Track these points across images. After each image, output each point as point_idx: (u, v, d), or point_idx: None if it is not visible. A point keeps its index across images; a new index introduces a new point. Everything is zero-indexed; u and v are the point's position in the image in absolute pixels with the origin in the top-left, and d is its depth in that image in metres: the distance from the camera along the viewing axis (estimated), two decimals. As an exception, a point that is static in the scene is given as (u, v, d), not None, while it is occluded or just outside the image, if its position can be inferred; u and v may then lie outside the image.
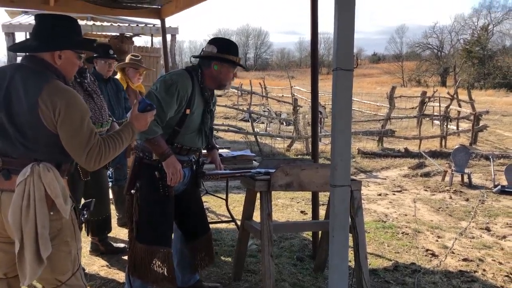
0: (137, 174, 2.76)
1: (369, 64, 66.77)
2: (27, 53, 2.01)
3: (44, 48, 1.95)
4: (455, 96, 12.53)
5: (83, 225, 2.36)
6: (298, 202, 5.89)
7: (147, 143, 2.65)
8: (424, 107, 12.44)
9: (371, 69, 61.01)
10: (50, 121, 1.86)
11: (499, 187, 6.77)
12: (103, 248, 3.93)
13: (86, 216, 2.12)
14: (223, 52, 2.71)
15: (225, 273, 3.59)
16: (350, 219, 2.92)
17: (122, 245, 4.03)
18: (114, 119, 3.79)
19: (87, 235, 3.87)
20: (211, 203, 5.51)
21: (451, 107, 12.11)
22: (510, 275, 3.74)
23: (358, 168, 8.36)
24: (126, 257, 3.78)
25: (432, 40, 53.26)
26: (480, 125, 11.85)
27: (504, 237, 4.75)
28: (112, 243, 4.02)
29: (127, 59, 4.89)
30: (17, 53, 7.89)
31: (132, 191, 2.75)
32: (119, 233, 4.46)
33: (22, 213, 1.80)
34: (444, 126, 11.28)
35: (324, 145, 9.81)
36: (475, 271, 3.80)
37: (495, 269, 3.87)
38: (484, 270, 3.83)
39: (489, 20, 49.66)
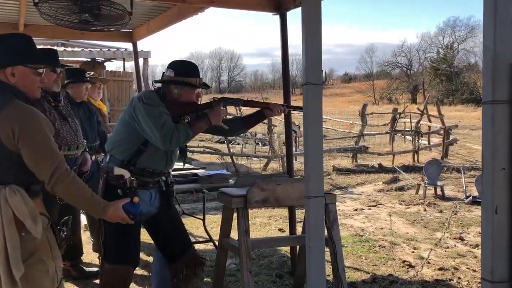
0: (104, 195, 2.69)
1: (341, 84, 68.12)
2: None
3: None
4: (425, 111, 12.87)
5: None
6: (276, 220, 5.90)
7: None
8: (395, 123, 12.71)
9: (343, 89, 62.21)
10: (10, 143, 1.85)
11: (471, 198, 6.94)
12: (75, 273, 3.84)
13: (66, 233, 2.09)
14: (181, 75, 2.68)
15: (204, 293, 3.55)
16: (326, 231, 2.97)
17: (95, 269, 3.94)
18: (87, 142, 3.77)
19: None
20: (188, 224, 5.46)
21: (421, 122, 12.42)
22: (485, 282, 3.82)
23: (334, 185, 8.44)
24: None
25: (401, 58, 54.82)
26: (450, 139, 12.18)
27: (477, 245, 4.86)
28: (84, 268, 3.93)
29: None
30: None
31: None
32: (94, 258, 4.35)
33: None
34: (416, 141, 11.55)
35: (300, 164, 9.88)
36: (450, 279, 3.87)
37: (470, 276, 3.95)
38: (459, 278, 3.91)
39: (453, 39, 51.59)
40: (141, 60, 11.02)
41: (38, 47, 2.16)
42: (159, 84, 2.79)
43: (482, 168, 1.36)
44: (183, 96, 2.70)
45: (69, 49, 11.18)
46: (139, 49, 5.94)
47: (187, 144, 2.92)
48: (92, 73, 4.91)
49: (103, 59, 11.42)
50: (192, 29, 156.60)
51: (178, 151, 2.89)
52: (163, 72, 2.78)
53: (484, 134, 1.35)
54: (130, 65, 13.06)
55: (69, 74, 4.02)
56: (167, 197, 2.91)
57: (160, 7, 4.48)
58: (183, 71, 2.70)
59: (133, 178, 2.63)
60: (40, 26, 4.83)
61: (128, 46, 9.90)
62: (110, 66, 12.78)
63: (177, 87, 2.68)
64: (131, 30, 5.41)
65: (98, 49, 11.48)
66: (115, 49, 11.54)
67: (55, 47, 11.09)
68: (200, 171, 4.22)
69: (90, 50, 11.29)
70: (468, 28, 51.87)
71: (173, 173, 4.16)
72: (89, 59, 11.00)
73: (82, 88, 4.11)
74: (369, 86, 54.44)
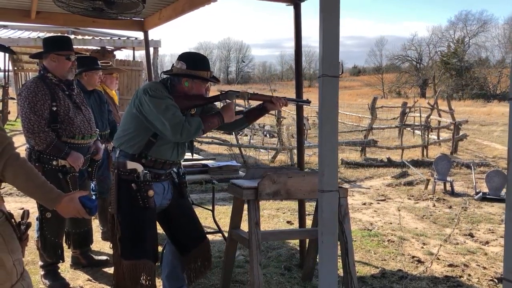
0: (118, 191, 2.67)
1: (350, 77, 67.66)
2: None
3: None
4: (435, 106, 12.76)
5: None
6: (284, 213, 5.89)
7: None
8: (405, 117, 12.62)
9: (352, 82, 61.86)
10: None
11: (481, 194, 6.88)
12: (85, 261, 3.86)
13: (26, 226, 2.02)
14: (192, 68, 2.64)
15: (213, 284, 3.55)
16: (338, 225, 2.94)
17: (104, 257, 3.96)
18: (98, 131, 3.77)
19: (68, 248, 3.82)
20: (197, 215, 5.46)
21: (431, 117, 12.32)
22: (494, 280, 3.79)
23: (342, 178, 8.40)
24: (110, 270, 3.74)
25: (411, 52, 54.38)
26: (460, 134, 12.07)
27: (487, 242, 4.82)
28: (94, 256, 3.95)
29: None
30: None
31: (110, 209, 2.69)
32: (104, 246, 4.38)
33: None
34: (425, 135, 11.46)
35: (308, 157, 9.85)
36: (460, 276, 3.84)
37: (480, 273, 3.91)
38: (469, 275, 3.88)
39: (465, 33, 51.05)
40: (151, 49, 11.01)
41: (49, 34, 2.12)
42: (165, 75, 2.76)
43: (508, 164, 1.32)
44: (193, 89, 2.68)
45: (79, 37, 11.18)
46: (149, 38, 5.90)
47: None
48: (110, 63, 4.91)
49: (113, 47, 11.41)
50: (201, 19, 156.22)
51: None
52: (173, 64, 2.73)
53: (511, 130, 1.31)
54: (139, 54, 13.06)
55: (82, 62, 4.01)
56: (180, 188, 2.91)
57: (173, -5, 4.44)
58: (195, 64, 2.66)
59: (146, 171, 2.63)
60: (52, 14, 4.80)
61: (138, 35, 9.88)
62: (120, 54, 12.81)
63: (188, 80, 2.65)
64: (142, 19, 5.38)
65: (108, 38, 11.48)
66: (125, 38, 11.54)
67: (65, 35, 11.11)
68: (209, 162, 4.20)
69: (100, 38, 11.29)
70: (480, 22, 51.39)
71: (183, 163, 4.17)
72: (99, 48, 11.00)
73: (96, 76, 4.13)
74: (378, 80, 54.10)
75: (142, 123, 2.57)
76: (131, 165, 2.62)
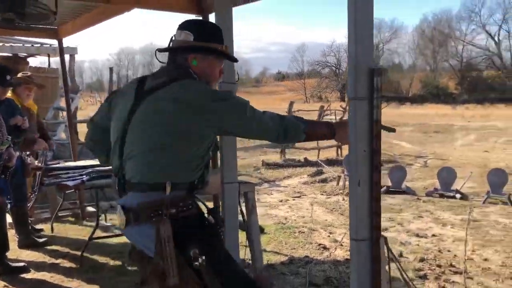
0: (184, 239, 1.74)
1: (274, 82, 69.51)
2: None
3: None
4: (347, 108, 13.67)
5: None
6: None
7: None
8: (321, 119, 13.40)
9: (277, 87, 63.54)
10: None
11: (385, 188, 7.59)
12: (0, 268, 3.86)
13: None
14: (204, 40, 1.86)
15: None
16: (246, 217, 3.28)
17: (21, 264, 3.98)
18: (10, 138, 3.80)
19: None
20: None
21: (344, 118, 13.21)
22: (398, 267, 4.31)
23: (263, 179, 8.84)
24: (28, 276, 3.80)
25: (330, 58, 56.94)
26: (371, 134, 13.05)
27: (386, 229, 5.40)
28: (10, 263, 3.95)
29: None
30: None
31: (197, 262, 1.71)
32: (20, 255, 4.38)
33: None
34: (340, 136, 12.25)
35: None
36: (359, 258, 4.33)
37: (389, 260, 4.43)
38: (366, 256, 4.38)
39: (379, 39, 54.36)
40: (67, 57, 10.78)
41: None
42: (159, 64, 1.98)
43: (349, 150, 1.70)
44: (205, 70, 1.89)
45: (-12, 43, 10.68)
46: (65, 45, 5.90)
47: None
48: (28, 73, 4.85)
49: (26, 54, 11.03)
50: (122, 24, 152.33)
51: None
52: (172, 37, 1.93)
53: (351, 124, 1.69)
54: (55, 60, 12.67)
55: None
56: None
57: (86, 5, 4.55)
58: (207, 34, 1.90)
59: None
60: (-41, 21, 4.71)
61: (54, 42, 9.68)
62: (34, 61, 12.35)
63: (196, 56, 1.86)
64: (56, 27, 5.41)
65: (21, 44, 11.07)
66: (39, 45, 11.18)
67: (-27, 42, 10.57)
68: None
69: (11, 45, 10.85)
70: (392, 29, 55.00)
71: (98, 168, 4.28)
72: (11, 54, 10.59)
73: (5, 91, 4.12)
74: (301, 85, 56.07)
75: (206, 137, 1.80)
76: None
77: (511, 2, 45.07)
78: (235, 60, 2.08)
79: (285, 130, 1.76)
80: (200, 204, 1.85)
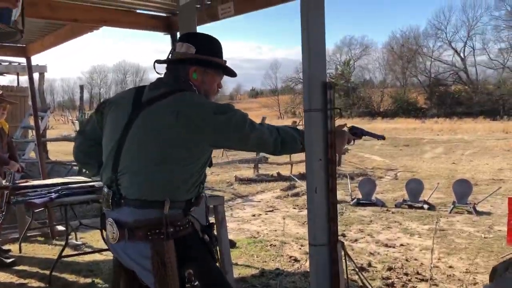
0: (179, 258, 1.73)
1: (249, 99, 69.95)
2: None
3: None
4: (300, 122, 13.91)
5: None
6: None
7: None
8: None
9: (251, 103, 63.89)
10: None
11: (355, 200, 7.74)
12: None
13: None
14: (206, 53, 1.87)
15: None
16: (216, 231, 3.32)
17: None
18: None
19: None
20: (88, 238, 5.51)
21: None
22: (355, 269, 4.40)
23: (236, 194, 8.88)
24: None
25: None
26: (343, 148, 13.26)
27: (356, 240, 5.52)
28: None
29: None
30: None
31: (189, 285, 1.78)
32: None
33: None
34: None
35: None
36: (328, 269, 4.40)
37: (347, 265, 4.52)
38: (336, 267, 4.46)
39: (350, 56, 55.53)
40: (36, 75, 10.67)
41: None
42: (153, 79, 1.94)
43: (305, 159, 1.79)
44: (205, 83, 1.89)
45: (-45, 62, 10.51)
46: (34, 63, 5.88)
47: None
48: (0, 91, 4.83)
49: (-5, 73, 10.87)
50: (94, 42, 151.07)
51: None
52: (173, 48, 1.93)
53: (307, 136, 1.78)
54: (25, 79, 12.53)
55: None
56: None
57: (54, 24, 4.58)
58: (209, 47, 1.90)
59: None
60: None
61: (22, 60, 9.58)
62: (3, 80, 12.17)
63: (197, 69, 1.86)
64: (24, 45, 5.40)
65: (-11, 63, 10.91)
66: (7, 63, 11.04)
67: None
68: (96, 183, 4.35)
69: (-21, 63, 10.69)
70: (362, 46, 56.25)
71: (71, 185, 4.28)
72: (-21, 73, 10.42)
73: None
74: (275, 101, 56.55)
75: (204, 152, 1.80)
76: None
77: (474, 20, 46.95)
78: (235, 75, 2.01)
79: (282, 142, 1.78)
80: (193, 220, 1.84)
